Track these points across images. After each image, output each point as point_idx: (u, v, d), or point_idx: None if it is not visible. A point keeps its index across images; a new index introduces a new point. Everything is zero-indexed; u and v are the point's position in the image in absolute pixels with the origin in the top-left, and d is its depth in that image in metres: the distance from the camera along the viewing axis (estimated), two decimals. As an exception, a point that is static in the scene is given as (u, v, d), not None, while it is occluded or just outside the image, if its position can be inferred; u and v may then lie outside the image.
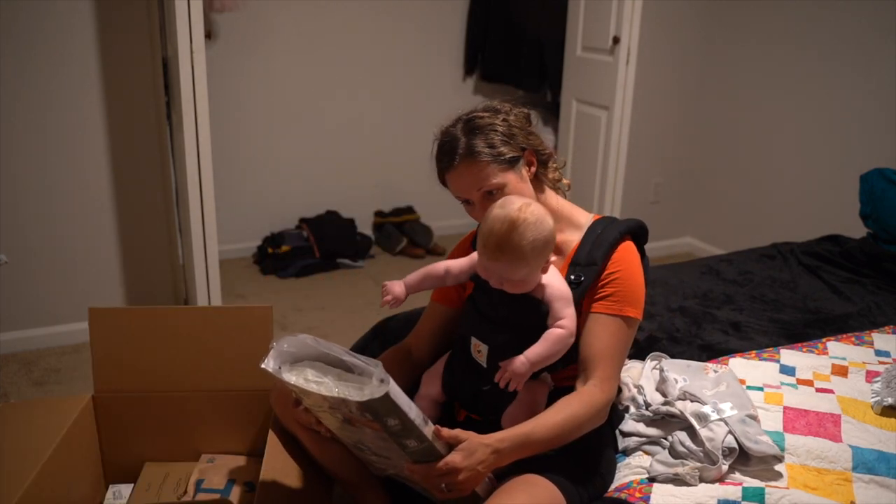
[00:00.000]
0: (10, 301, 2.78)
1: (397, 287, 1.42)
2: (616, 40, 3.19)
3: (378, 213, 4.11)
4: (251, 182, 3.80)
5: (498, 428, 1.32)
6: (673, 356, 1.86)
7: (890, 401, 1.64)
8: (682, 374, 1.68)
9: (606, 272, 1.41)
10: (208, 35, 3.24)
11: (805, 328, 2.13)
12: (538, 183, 1.48)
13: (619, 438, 1.56)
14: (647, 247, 1.52)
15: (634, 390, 1.66)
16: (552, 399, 1.36)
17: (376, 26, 3.84)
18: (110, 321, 1.70)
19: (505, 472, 1.32)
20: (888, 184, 2.66)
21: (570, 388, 1.38)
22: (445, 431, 1.22)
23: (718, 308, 2.23)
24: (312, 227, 3.80)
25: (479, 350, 1.39)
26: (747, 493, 1.34)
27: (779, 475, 1.41)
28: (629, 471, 1.46)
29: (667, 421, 1.54)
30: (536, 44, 3.89)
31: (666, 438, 1.50)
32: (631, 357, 1.80)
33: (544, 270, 1.34)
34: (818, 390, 1.73)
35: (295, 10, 3.65)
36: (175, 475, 1.77)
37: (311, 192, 3.93)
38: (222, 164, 3.33)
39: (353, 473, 1.46)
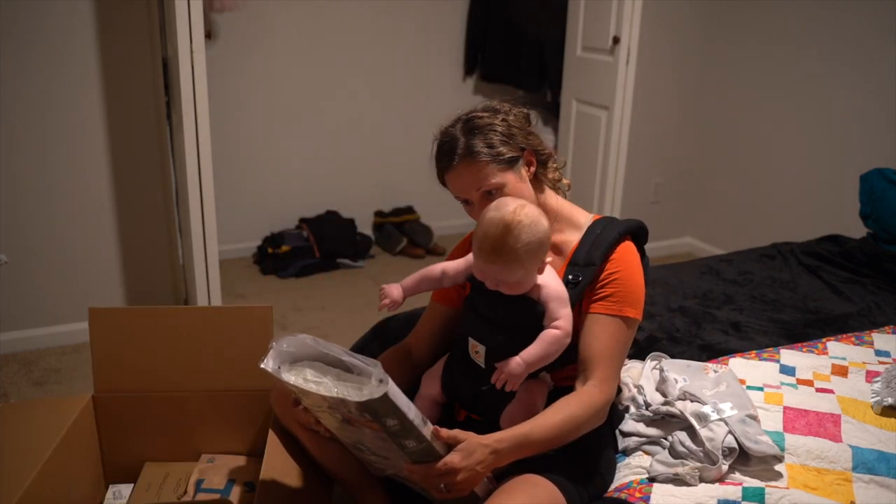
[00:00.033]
0: (10, 301, 2.78)
1: (395, 290, 1.42)
2: (616, 40, 3.18)
3: (378, 213, 4.11)
4: (251, 182, 3.80)
5: (498, 428, 1.32)
6: (673, 356, 1.86)
7: (890, 401, 1.64)
8: (682, 374, 1.68)
9: (606, 272, 1.41)
10: (208, 35, 3.24)
11: (805, 328, 2.13)
12: (538, 183, 1.48)
13: (619, 438, 1.56)
14: (647, 247, 1.52)
15: (634, 390, 1.66)
16: (552, 399, 1.36)
17: (376, 26, 3.84)
18: (110, 321, 1.70)
19: (505, 472, 1.32)
20: (888, 184, 2.66)
21: (569, 388, 1.38)
22: (444, 432, 1.22)
23: (718, 308, 2.23)
24: (312, 227, 3.80)
25: (477, 351, 1.39)
26: (747, 493, 1.34)
27: (779, 475, 1.41)
28: (629, 471, 1.46)
29: (667, 421, 1.54)
30: (536, 44, 3.89)
31: (666, 438, 1.50)
32: (631, 357, 1.80)
33: (540, 271, 1.34)
34: (818, 390, 1.73)
35: (295, 10, 3.65)
36: (175, 475, 1.77)
37: (311, 192, 3.93)
38: (222, 164, 3.33)
39: (353, 473, 1.46)
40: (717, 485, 1.37)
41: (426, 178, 1.54)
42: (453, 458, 1.20)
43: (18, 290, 2.78)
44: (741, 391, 1.59)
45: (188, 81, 2.47)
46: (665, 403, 1.55)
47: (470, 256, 1.42)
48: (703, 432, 1.43)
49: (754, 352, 1.92)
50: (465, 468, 1.20)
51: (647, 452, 1.50)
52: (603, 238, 1.43)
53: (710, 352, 1.95)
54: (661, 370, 1.69)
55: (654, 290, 2.28)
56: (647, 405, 1.59)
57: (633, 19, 3.15)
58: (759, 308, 2.25)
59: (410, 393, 1.49)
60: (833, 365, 1.86)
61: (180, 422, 1.77)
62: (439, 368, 1.49)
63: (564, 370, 1.43)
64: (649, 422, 1.55)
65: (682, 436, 1.47)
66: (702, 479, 1.38)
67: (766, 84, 3.60)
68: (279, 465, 1.44)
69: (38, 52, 2.62)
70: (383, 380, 1.11)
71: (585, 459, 1.40)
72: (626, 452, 1.52)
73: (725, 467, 1.39)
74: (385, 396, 1.10)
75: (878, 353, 1.96)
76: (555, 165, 1.52)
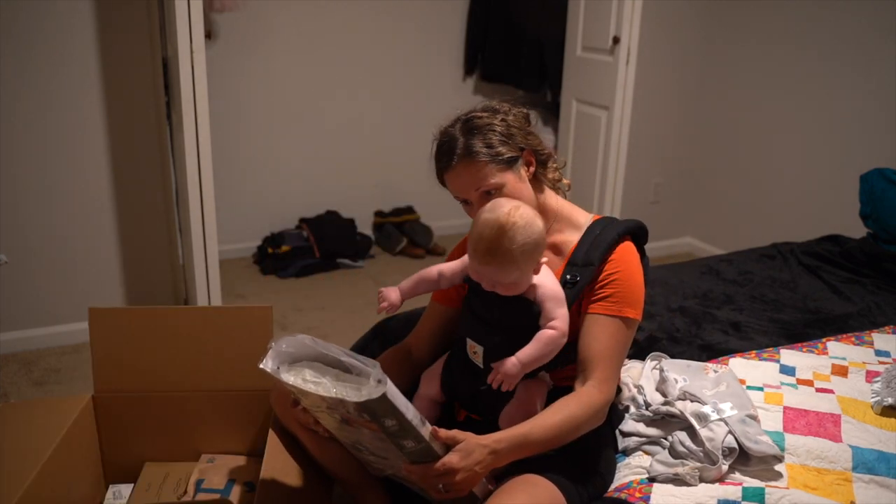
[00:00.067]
0: (10, 301, 2.78)
1: (393, 294, 1.42)
2: (616, 40, 3.18)
3: (378, 213, 4.11)
4: (251, 182, 3.80)
5: (498, 428, 1.32)
6: (673, 356, 1.86)
7: (890, 401, 1.64)
8: (682, 374, 1.68)
9: (605, 273, 1.41)
10: (208, 35, 3.24)
11: (805, 328, 2.13)
12: (537, 183, 1.48)
13: (619, 438, 1.56)
14: (647, 247, 1.52)
15: (634, 390, 1.66)
16: (552, 399, 1.36)
17: (376, 26, 3.84)
18: (110, 321, 1.70)
19: (505, 472, 1.32)
20: (888, 184, 2.66)
21: (569, 388, 1.38)
22: (443, 432, 1.22)
23: (718, 308, 2.23)
24: (312, 227, 3.80)
25: (475, 351, 1.39)
26: (747, 493, 1.34)
27: (779, 475, 1.41)
28: (629, 471, 1.46)
29: (667, 421, 1.54)
30: (536, 44, 3.89)
31: (666, 438, 1.50)
32: (631, 357, 1.80)
33: (536, 271, 1.34)
34: (818, 390, 1.73)
35: (295, 10, 3.65)
36: (175, 475, 1.77)
37: (311, 192, 3.93)
38: (222, 164, 3.33)
39: (353, 473, 1.46)
40: (717, 485, 1.37)
41: (426, 178, 1.54)
42: (452, 459, 1.20)
43: (18, 290, 2.78)
44: (741, 391, 1.59)
45: (188, 81, 2.47)
46: (665, 403, 1.55)
47: (466, 258, 1.42)
48: (703, 432, 1.43)
49: (754, 352, 1.92)
50: (463, 468, 1.20)
51: (647, 452, 1.50)
52: (602, 238, 1.43)
53: (710, 352, 1.95)
54: (661, 370, 1.69)
55: (654, 290, 2.28)
56: (647, 405, 1.59)
57: (633, 19, 3.15)
58: (759, 308, 2.25)
59: (410, 393, 1.50)
60: (833, 365, 1.86)
61: (180, 422, 1.77)
62: (438, 368, 1.49)
63: (564, 370, 1.43)
64: (649, 422, 1.55)
65: (682, 436, 1.47)
66: (702, 479, 1.38)
67: (766, 84, 3.60)
68: (279, 465, 1.44)
69: (38, 52, 2.62)
70: (381, 380, 1.11)
71: (585, 459, 1.40)
72: (626, 452, 1.52)
73: (725, 467, 1.39)
74: (383, 397, 1.10)
75: (878, 353, 1.96)
76: (554, 165, 1.52)
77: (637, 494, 1.37)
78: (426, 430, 1.19)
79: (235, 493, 1.67)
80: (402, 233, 4.01)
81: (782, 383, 1.76)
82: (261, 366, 1.19)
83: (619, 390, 1.61)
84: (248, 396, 1.73)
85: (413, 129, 3.97)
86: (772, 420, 1.58)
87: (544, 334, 1.32)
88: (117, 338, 1.70)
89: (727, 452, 1.41)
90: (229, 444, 1.80)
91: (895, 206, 2.60)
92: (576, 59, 3.53)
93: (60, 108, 2.71)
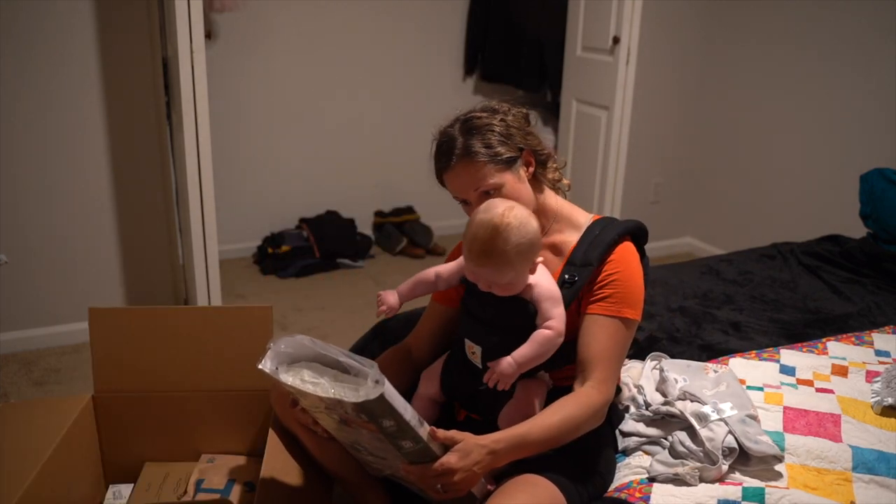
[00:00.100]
0: (10, 301, 2.78)
1: (391, 297, 1.42)
2: (616, 40, 3.18)
3: (378, 213, 4.11)
4: (251, 182, 3.80)
5: (498, 428, 1.32)
6: (673, 356, 1.86)
7: (890, 401, 1.64)
8: (682, 374, 1.68)
9: (604, 273, 1.40)
10: (208, 35, 3.24)
11: (805, 328, 2.13)
12: (537, 183, 1.48)
13: (619, 438, 1.56)
14: (647, 247, 1.51)
15: (634, 390, 1.66)
16: (551, 398, 1.36)
17: (376, 26, 3.84)
18: (110, 321, 1.70)
19: (504, 472, 1.32)
20: (888, 184, 2.66)
21: (569, 388, 1.37)
22: (441, 432, 1.21)
23: (718, 308, 2.23)
24: (312, 227, 3.80)
25: (473, 351, 1.39)
26: (747, 493, 1.34)
27: (779, 475, 1.41)
28: (629, 471, 1.46)
29: (667, 421, 1.53)
30: (536, 44, 3.89)
31: (666, 438, 1.50)
32: (631, 357, 1.80)
33: (532, 271, 1.34)
34: (818, 390, 1.73)
35: (295, 10, 3.65)
36: (175, 475, 1.77)
37: (311, 192, 3.93)
38: (222, 164, 3.33)
39: (352, 473, 1.46)
40: (717, 485, 1.37)
41: (426, 178, 1.54)
42: (450, 459, 1.20)
43: (18, 290, 2.78)
44: (741, 391, 1.59)
45: (188, 81, 2.47)
46: (665, 403, 1.55)
47: (462, 259, 1.43)
48: (703, 432, 1.43)
49: (754, 352, 1.92)
50: (461, 469, 1.20)
51: (647, 452, 1.50)
52: (601, 238, 1.43)
53: (710, 352, 1.95)
54: (661, 370, 1.69)
55: (654, 290, 2.28)
56: (647, 405, 1.59)
57: (633, 19, 3.15)
58: (759, 308, 2.25)
59: (410, 392, 1.50)
60: (833, 365, 1.86)
61: (180, 422, 1.77)
62: (437, 367, 1.49)
63: (563, 370, 1.43)
64: (649, 422, 1.55)
65: (682, 436, 1.47)
66: (702, 479, 1.38)
67: (766, 84, 3.60)
68: (279, 465, 1.44)
69: (38, 52, 2.62)
70: (379, 381, 1.11)
71: (585, 459, 1.40)
72: (626, 452, 1.52)
73: (725, 467, 1.39)
74: (381, 397, 1.10)
75: (878, 353, 1.96)
76: (554, 165, 1.52)
77: (637, 494, 1.37)
78: (424, 430, 1.19)
79: (235, 493, 1.67)
80: (402, 233, 4.01)
81: (782, 383, 1.76)
82: (259, 366, 1.19)
83: (618, 390, 1.61)
84: (248, 396, 1.73)
85: (413, 129, 3.97)
86: (772, 420, 1.58)
87: (540, 334, 1.32)
88: (117, 338, 1.70)
89: (727, 452, 1.41)
90: (229, 444, 1.80)
91: (895, 206, 2.60)
92: (576, 59, 3.52)
93: (60, 108, 2.71)
